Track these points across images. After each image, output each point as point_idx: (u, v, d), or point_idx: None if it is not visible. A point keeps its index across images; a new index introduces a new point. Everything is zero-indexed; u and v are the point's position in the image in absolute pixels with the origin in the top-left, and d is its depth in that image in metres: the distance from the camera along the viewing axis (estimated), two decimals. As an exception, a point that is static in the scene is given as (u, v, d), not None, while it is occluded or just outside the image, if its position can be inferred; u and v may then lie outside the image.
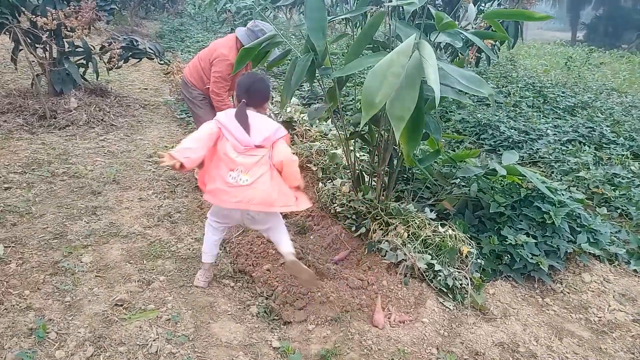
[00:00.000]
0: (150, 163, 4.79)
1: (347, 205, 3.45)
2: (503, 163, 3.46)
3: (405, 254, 2.87)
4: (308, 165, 4.33)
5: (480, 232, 3.42)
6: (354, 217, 3.40)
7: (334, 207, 3.53)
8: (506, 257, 3.15)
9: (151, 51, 6.81)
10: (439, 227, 3.07)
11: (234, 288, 2.92)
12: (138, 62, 7.11)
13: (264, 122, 2.64)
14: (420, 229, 3.04)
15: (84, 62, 6.42)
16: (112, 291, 2.70)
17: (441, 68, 2.12)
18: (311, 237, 3.53)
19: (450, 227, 3.08)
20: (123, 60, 6.66)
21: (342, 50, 10.55)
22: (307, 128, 4.96)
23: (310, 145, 4.57)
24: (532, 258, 3.09)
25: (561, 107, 7.13)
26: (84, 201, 3.80)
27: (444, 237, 2.97)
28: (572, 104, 7.23)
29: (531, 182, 3.53)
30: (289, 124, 5.09)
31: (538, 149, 5.25)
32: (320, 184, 3.87)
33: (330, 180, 3.89)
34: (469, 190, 3.61)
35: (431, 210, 3.34)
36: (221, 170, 2.55)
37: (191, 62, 4.38)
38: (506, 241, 3.14)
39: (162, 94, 7.65)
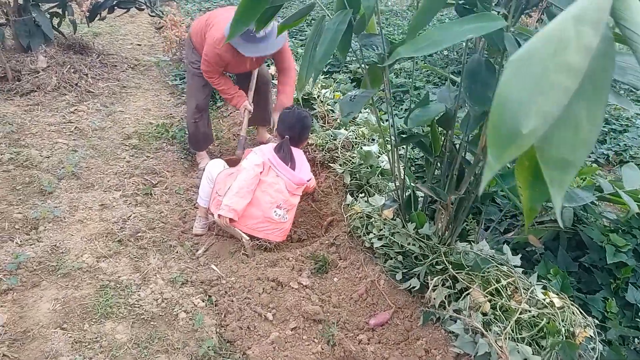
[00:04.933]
0: (127, 148, 3.70)
1: (389, 238, 2.35)
2: (625, 186, 2.32)
3: (490, 344, 1.80)
4: (330, 164, 3.20)
5: (583, 286, 2.33)
6: (399, 258, 2.30)
7: (370, 239, 2.43)
8: (636, 340, 2.07)
9: (141, 0, 5.60)
10: (537, 290, 1.97)
11: (217, 378, 1.89)
12: (125, 12, 5.89)
13: (304, 157, 2.82)
14: (510, 294, 1.95)
15: (60, 10, 5.24)
16: (21, 391, 1.69)
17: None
18: (335, 279, 2.45)
19: (554, 291, 1.99)
20: (106, 10, 5.46)
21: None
22: (331, 108, 3.80)
23: (334, 133, 3.43)
24: (677, 344, 2.01)
25: None
26: (24, 207, 2.76)
27: (548, 310, 1.89)
28: (652, 82, 5.90)
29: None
30: (306, 101, 3.93)
31: (627, 145, 4.04)
32: (349, 197, 2.76)
33: (363, 194, 2.78)
34: (562, 217, 2.50)
35: (514, 251, 2.26)
36: (264, 205, 2.58)
37: (199, 20, 3.32)
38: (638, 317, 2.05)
39: (157, 52, 6.47)
